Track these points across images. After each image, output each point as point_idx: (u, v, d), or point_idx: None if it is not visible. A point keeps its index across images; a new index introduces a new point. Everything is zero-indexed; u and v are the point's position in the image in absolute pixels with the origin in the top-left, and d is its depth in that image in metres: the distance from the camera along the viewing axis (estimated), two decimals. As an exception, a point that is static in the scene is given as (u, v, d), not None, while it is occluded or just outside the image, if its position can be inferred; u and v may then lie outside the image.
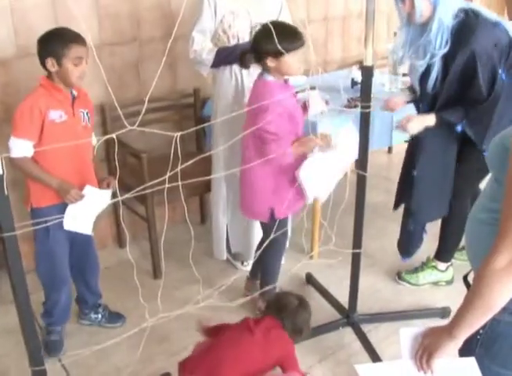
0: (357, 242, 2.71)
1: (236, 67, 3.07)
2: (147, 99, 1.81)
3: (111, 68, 3.48)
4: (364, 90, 2.32)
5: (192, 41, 3.04)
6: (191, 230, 2.16)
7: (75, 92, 2.66)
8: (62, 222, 2.53)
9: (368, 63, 2.30)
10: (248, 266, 3.45)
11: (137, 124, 1.87)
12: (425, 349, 1.58)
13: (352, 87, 3.93)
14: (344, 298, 3.03)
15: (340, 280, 3.23)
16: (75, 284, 3.02)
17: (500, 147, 1.45)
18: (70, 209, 2.54)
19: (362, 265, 2.90)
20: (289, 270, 3.24)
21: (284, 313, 2.38)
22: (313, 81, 3.64)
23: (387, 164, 5.35)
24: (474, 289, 1.43)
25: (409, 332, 1.66)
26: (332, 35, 4.90)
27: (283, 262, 3.20)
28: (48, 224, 2.48)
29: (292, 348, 2.37)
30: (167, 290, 2.63)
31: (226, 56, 3.01)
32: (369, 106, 2.31)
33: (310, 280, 3.40)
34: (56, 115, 2.56)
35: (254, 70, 2.84)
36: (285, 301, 2.43)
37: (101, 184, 2.78)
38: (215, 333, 2.43)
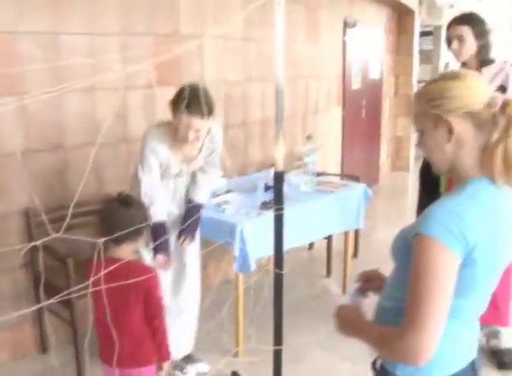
0: (277, 339, 2.80)
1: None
2: (72, 205, 1.90)
3: (36, 174, 3.57)
4: (276, 194, 2.48)
5: None
6: (113, 333, 2.22)
7: None
8: None
9: (279, 168, 2.47)
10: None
11: (62, 231, 1.96)
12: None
13: (265, 191, 4.03)
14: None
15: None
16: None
17: (404, 242, 1.59)
18: None
19: (287, 360, 2.95)
20: (213, 369, 3.26)
21: None
22: (232, 183, 3.84)
23: (309, 260, 5.53)
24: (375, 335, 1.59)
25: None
26: (251, 138, 5.17)
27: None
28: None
29: None
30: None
31: None
32: (282, 209, 2.46)
33: (236, 379, 3.43)
34: None
35: None
36: None
37: None
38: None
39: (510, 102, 1.50)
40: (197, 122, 2.94)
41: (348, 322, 1.74)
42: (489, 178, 1.52)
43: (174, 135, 3.05)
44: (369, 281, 1.95)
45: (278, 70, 2.24)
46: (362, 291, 1.95)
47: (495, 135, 1.49)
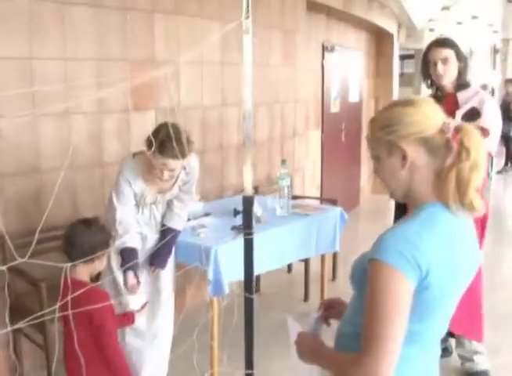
0: (248, 363, 2.79)
1: None
2: (38, 230, 1.92)
3: (12, 198, 3.56)
4: (245, 218, 2.49)
5: None
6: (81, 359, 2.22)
7: None
8: None
9: (248, 192, 2.49)
10: None
11: (28, 256, 1.97)
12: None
13: (235, 216, 4.00)
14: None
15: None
16: None
17: (361, 267, 1.61)
18: None
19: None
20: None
21: None
22: (209, 207, 3.85)
23: (288, 283, 5.54)
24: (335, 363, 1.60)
25: (294, 325, 1.90)
26: (228, 162, 5.20)
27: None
28: None
29: None
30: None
31: None
32: (251, 233, 2.48)
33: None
34: None
35: None
36: None
37: None
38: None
39: (463, 127, 1.53)
40: (172, 163, 2.97)
41: (307, 349, 1.76)
42: (444, 204, 1.54)
43: (150, 167, 3.07)
44: (332, 308, 1.97)
45: (246, 96, 2.27)
46: (325, 319, 1.97)
47: (448, 161, 1.52)
